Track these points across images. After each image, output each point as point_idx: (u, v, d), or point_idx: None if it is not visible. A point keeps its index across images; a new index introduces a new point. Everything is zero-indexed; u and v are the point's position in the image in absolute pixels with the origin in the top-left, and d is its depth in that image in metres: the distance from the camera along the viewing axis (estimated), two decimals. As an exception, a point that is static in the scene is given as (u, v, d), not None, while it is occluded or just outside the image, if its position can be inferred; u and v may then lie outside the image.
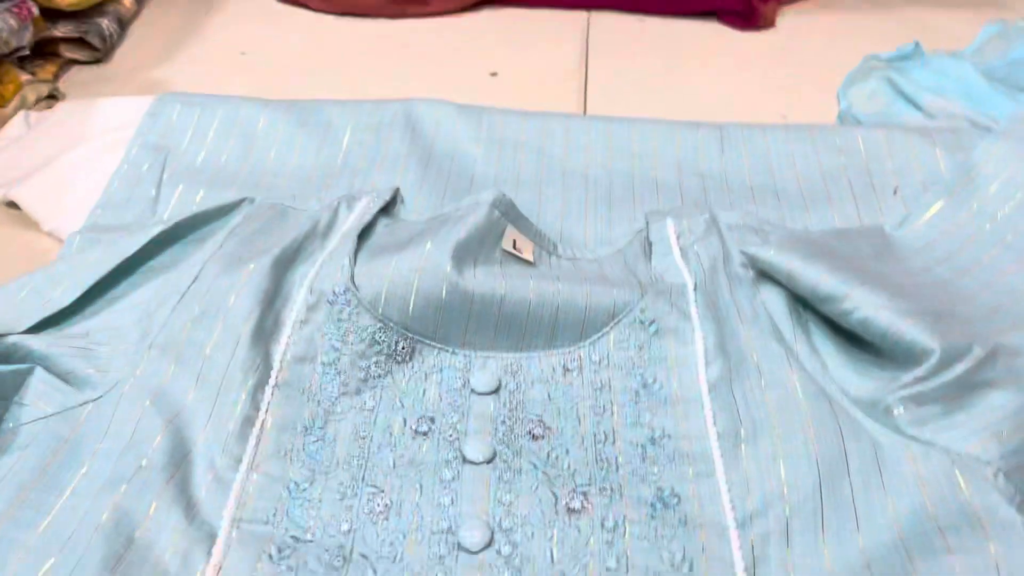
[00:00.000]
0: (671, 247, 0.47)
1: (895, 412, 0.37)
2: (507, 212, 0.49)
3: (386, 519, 0.36)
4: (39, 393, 0.39)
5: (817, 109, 0.69)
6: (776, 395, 0.38)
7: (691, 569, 0.34)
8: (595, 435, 0.39)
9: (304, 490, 0.37)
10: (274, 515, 0.36)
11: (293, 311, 0.43)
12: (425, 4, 0.86)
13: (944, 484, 0.34)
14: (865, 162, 0.57)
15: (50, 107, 0.68)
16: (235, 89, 0.66)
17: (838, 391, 0.40)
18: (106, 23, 0.77)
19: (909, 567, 0.32)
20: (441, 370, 0.43)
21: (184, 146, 0.60)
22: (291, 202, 0.52)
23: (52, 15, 0.73)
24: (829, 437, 0.36)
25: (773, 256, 0.43)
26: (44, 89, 0.70)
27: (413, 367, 0.42)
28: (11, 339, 0.41)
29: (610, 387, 0.41)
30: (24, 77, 0.68)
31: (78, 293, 0.43)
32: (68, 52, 0.76)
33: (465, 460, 0.38)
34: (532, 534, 0.35)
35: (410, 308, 0.42)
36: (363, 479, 0.38)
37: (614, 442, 0.39)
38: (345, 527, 0.36)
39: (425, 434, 0.40)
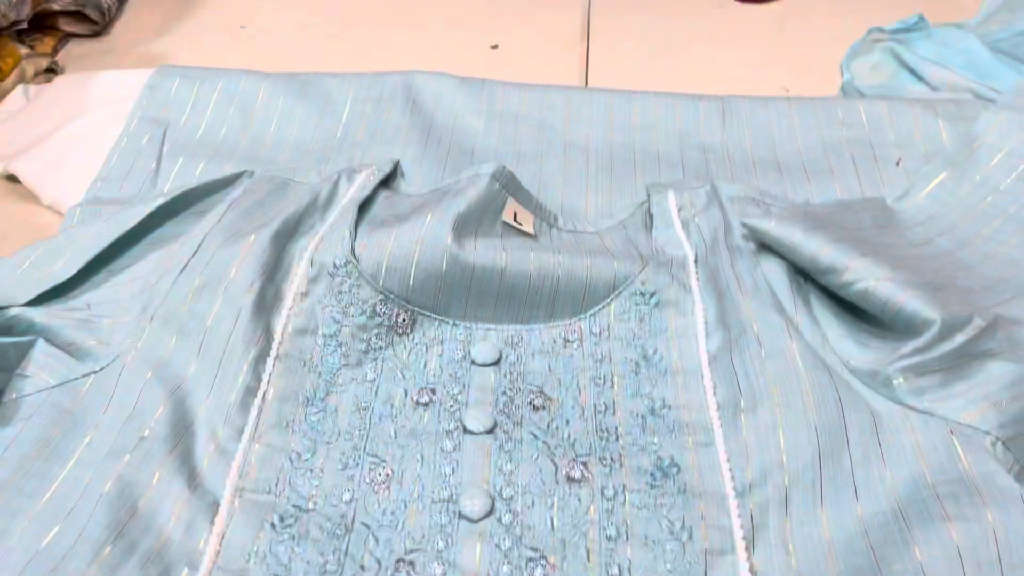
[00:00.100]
0: (672, 219, 0.47)
1: (895, 382, 0.37)
2: (508, 184, 0.48)
3: (387, 489, 0.36)
4: (41, 365, 0.39)
5: (820, 82, 0.68)
6: (776, 366, 0.38)
7: (690, 537, 0.34)
8: (595, 406, 0.40)
9: (306, 460, 0.37)
10: (276, 485, 0.36)
11: (294, 283, 0.43)
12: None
13: (943, 453, 0.34)
14: (868, 134, 0.57)
15: (49, 81, 0.68)
16: (234, 62, 0.66)
17: (838, 362, 0.40)
18: (104, -4, 0.76)
19: (907, 535, 0.32)
20: (442, 342, 0.43)
21: (184, 119, 0.60)
22: (291, 175, 0.52)
23: (50, -12, 0.73)
24: (829, 407, 0.36)
25: (774, 228, 0.43)
26: (43, 63, 0.69)
27: (414, 339, 0.43)
28: (13, 311, 0.41)
29: (610, 358, 0.41)
30: (23, 51, 0.68)
31: (79, 266, 0.43)
32: (66, 25, 0.76)
33: (466, 430, 0.38)
34: (532, 503, 0.36)
35: (411, 280, 0.42)
36: (364, 449, 0.38)
37: (614, 412, 0.39)
38: (347, 496, 0.36)
39: (426, 405, 0.40)
